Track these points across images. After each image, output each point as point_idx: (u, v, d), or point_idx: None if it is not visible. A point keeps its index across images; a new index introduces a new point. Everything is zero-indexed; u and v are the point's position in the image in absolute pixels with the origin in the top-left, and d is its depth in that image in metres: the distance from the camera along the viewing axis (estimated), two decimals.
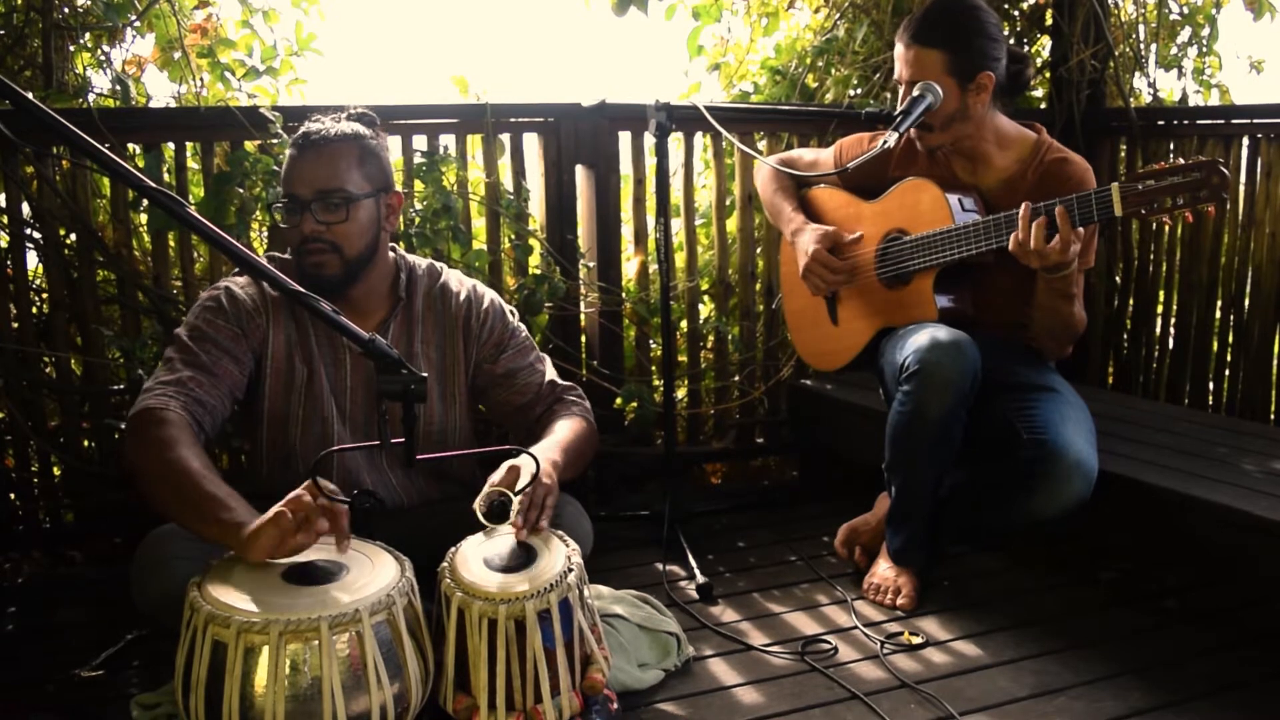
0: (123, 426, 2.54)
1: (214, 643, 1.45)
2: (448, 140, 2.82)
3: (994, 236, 2.16)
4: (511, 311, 2.15)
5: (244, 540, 1.54)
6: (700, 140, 3.16)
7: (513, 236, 2.86)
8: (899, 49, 2.29)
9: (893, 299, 2.38)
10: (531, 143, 2.93)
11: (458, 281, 2.12)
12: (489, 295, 2.13)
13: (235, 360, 1.90)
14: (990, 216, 2.18)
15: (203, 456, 1.70)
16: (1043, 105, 3.59)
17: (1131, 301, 3.44)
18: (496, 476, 1.76)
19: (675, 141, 3.06)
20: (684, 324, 3.17)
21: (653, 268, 3.06)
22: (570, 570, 1.65)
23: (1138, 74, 3.56)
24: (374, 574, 1.59)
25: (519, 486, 1.75)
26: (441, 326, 2.07)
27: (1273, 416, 3.07)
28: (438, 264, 2.13)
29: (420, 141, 2.78)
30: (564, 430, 1.99)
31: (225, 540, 1.57)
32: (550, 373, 2.14)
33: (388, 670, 1.50)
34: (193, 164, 2.68)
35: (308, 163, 1.92)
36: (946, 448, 2.19)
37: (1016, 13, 3.65)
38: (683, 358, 3.20)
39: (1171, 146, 3.26)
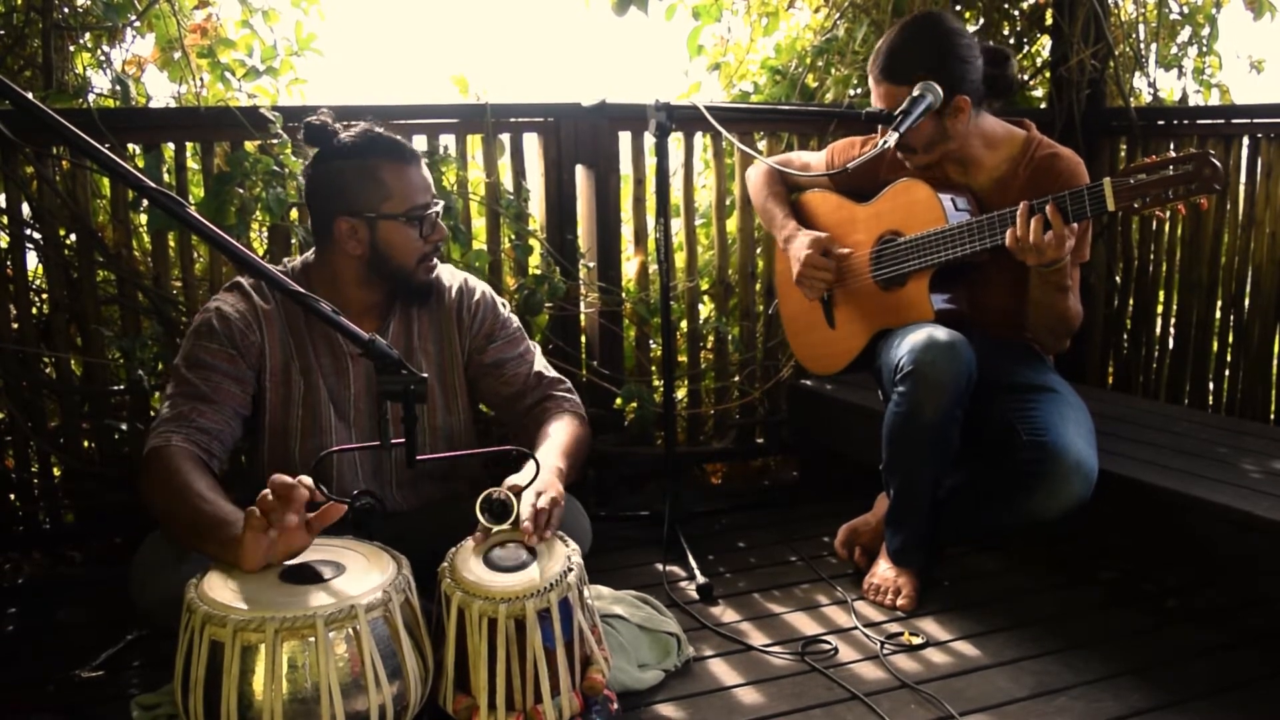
0: (123, 426, 2.56)
1: (211, 642, 1.45)
2: (448, 140, 2.82)
3: (987, 235, 2.16)
4: (503, 304, 2.15)
5: (237, 554, 1.54)
6: (700, 140, 3.16)
7: (513, 236, 2.86)
8: (871, 82, 2.30)
9: (889, 301, 2.38)
10: (531, 143, 2.93)
11: (449, 276, 2.12)
12: (480, 287, 2.14)
13: (236, 381, 1.89)
14: (983, 216, 2.18)
15: (206, 480, 1.70)
16: (1043, 105, 3.59)
17: (1131, 301, 3.44)
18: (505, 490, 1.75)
19: (675, 141, 3.06)
20: (684, 324, 3.17)
21: (653, 268, 3.06)
22: (570, 570, 1.65)
23: (1138, 74, 3.56)
24: (370, 572, 1.59)
25: (521, 484, 1.75)
26: (437, 322, 2.08)
27: (1273, 416, 3.06)
28: None
29: (420, 141, 2.78)
30: (562, 434, 1.99)
31: (229, 558, 1.57)
32: (539, 363, 2.14)
33: (386, 668, 1.50)
34: (193, 164, 2.68)
35: (418, 170, 1.95)
36: (943, 448, 2.19)
37: (1016, 13, 3.66)
38: (683, 358, 3.20)
39: (1172, 146, 3.26)
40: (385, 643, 1.52)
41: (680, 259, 3.22)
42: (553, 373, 2.15)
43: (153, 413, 2.61)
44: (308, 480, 1.57)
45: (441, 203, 2.01)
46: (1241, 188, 3.08)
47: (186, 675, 1.47)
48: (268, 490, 1.54)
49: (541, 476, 1.78)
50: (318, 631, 1.44)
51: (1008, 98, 2.48)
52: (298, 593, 1.51)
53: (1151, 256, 3.38)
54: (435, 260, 2.01)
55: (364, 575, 1.58)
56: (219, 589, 1.51)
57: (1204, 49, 3.56)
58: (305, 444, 1.96)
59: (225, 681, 1.43)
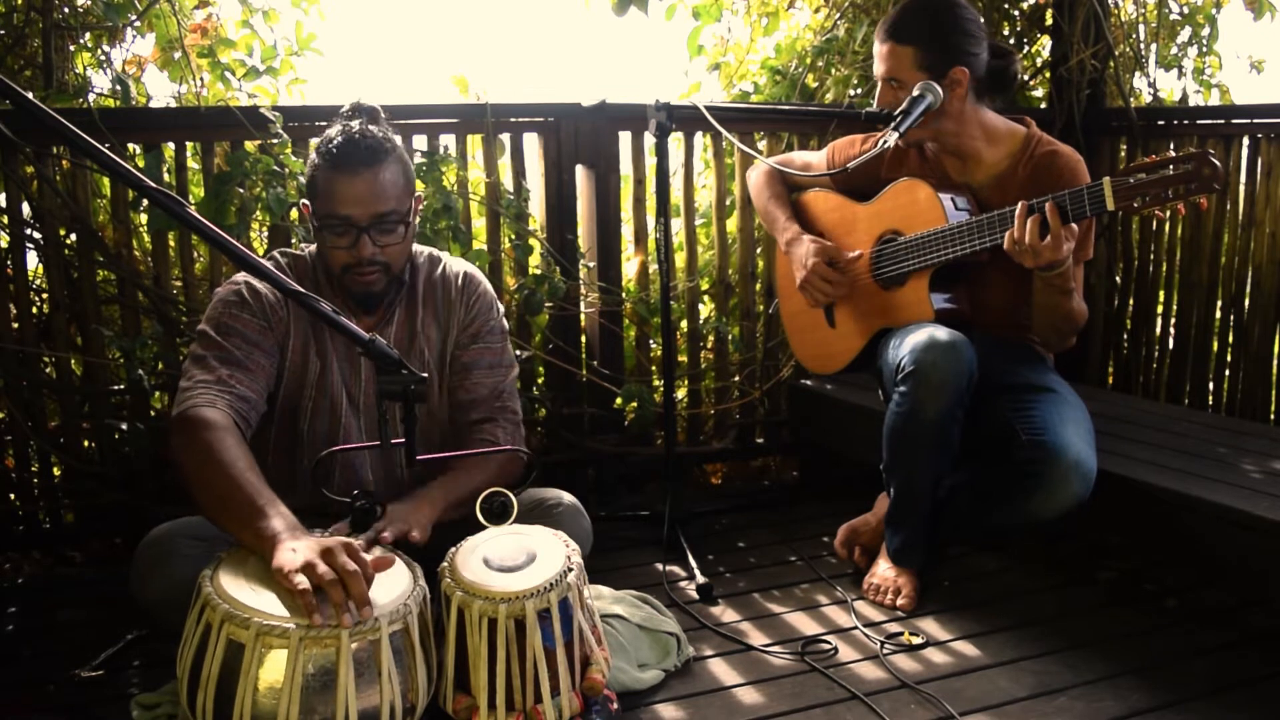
0: (123, 426, 2.55)
1: (229, 641, 1.44)
2: (448, 140, 2.82)
3: (987, 235, 2.16)
4: (499, 310, 2.13)
5: (273, 568, 1.51)
6: (700, 140, 3.16)
7: (513, 236, 2.86)
8: (875, 44, 2.31)
9: (889, 300, 2.38)
10: (531, 143, 2.93)
11: (457, 264, 2.11)
12: (484, 285, 2.11)
13: (265, 353, 1.88)
14: (983, 215, 2.18)
15: (247, 458, 1.68)
16: (1043, 105, 3.59)
17: (1131, 301, 3.45)
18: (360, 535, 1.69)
19: (675, 141, 3.06)
20: (684, 324, 3.17)
21: (653, 268, 3.06)
22: (570, 570, 1.65)
23: (1138, 74, 3.56)
24: (388, 580, 1.58)
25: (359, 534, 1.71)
26: (440, 312, 2.07)
27: (1273, 416, 3.07)
28: (437, 252, 2.12)
29: (420, 141, 2.78)
30: (463, 478, 1.93)
31: (259, 550, 1.56)
32: (506, 386, 2.07)
33: (399, 677, 1.51)
34: (193, 164, 2.68)
35: (359, 182, 1.84)
36: (944, 448, 2.19)
37: (1016, 13, 3.66)
38: (683, 358, 3.20)
39: (1172, 146, 3.26)
40: (400, 653, 1.52)
41: (680, 259, 3.22)
42: (511, 404, 2.08)
43: (153, 412, 2.61)
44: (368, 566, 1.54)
45: (409, 219, 1.91)
46: (1241, 188, 3.08)
47: (196, 671, 1.47)
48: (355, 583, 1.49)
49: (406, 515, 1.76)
50: (341, 641, 1.44)
51: (1008, 94, 2.48)
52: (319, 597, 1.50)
53: (1151, 256, 3.38)
54: (372, 276, 1.89)
55: (383, 582, 1.57)
56: (236, 584, 1.50)
57: (1204, 49, 3.56)
58: (315, 425, 1.96)
59: (242, 682, 1.42)
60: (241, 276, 1.94)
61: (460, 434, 2.05)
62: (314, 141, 1.93)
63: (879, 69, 2.31)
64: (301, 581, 1.45)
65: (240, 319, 1.88)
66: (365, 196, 1.85)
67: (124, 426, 2.56)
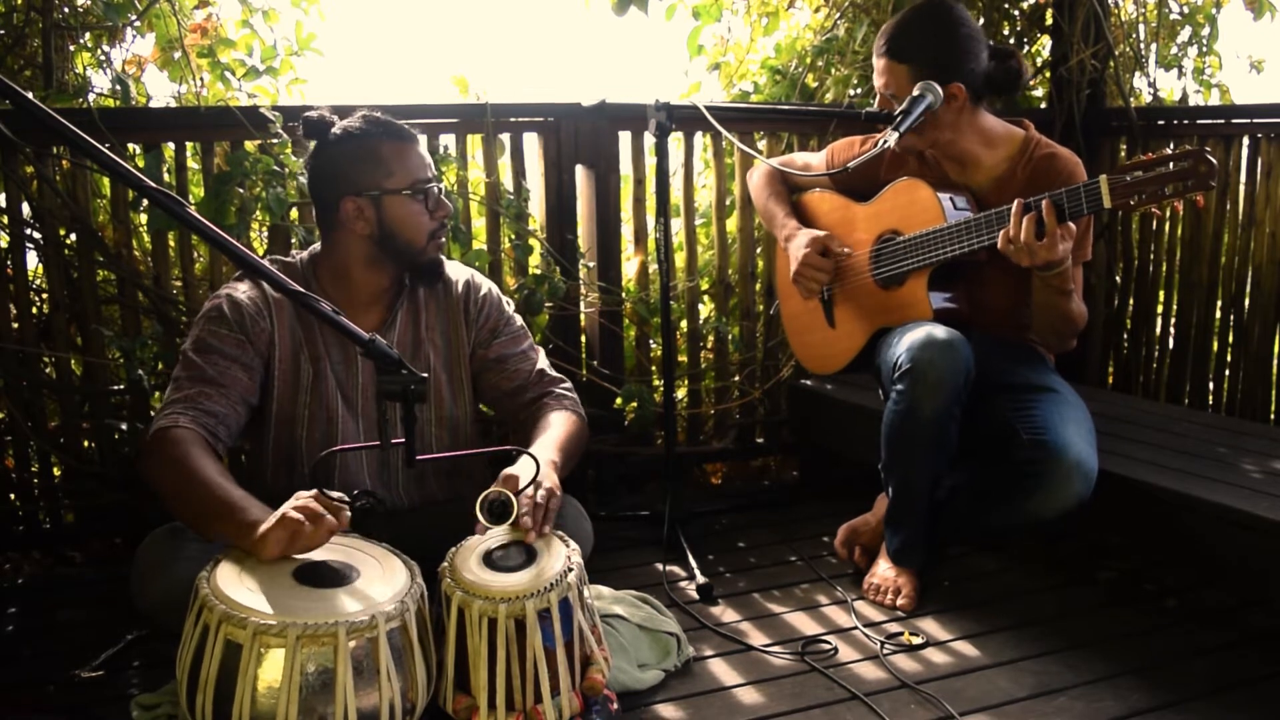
0: (123, 426, 2.56)
1: (226, 642, 1.44)
2: (448, 140, 2.82)
3: (985, 233, 2.16)
4: (508, 302, 2.17)
5: (255, 541, 1.55)
6: (700, 140, 3.16)
7: (513, 236, 2.86)
8: (874, 55, 2.32)
9: (888, 300, 2.38)
10: (531, 143, 2.93)
11: (456, 269, 2.14)
12: (486, 283, 2.16)
13: (244, 367, 1.90)
14: (981, 214, 2.18)
15: (215, 464, 1.71)
16: (1043, 105, 3.59)
17: (1131, 301, 3.44)
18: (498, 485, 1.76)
19: (675, 141, 3.06)
20: (684, 324, 3.17)
21: (653, 268, 3.06)
22: (570, 570, 1.65)
23: (1138, 74, 3.56)
24: (385, 579, 1.58)
25: (520, 486, 1.76)
26: (444, 313, 2.09)
27: (1273, 416, 3.07)
28: None
29: (420, 141, 2.77)
30: (559, 428, 2.00)
31: (240, 541, 1.57)
32: (542, 363, 2.16)
33: (398, 675, 1.50)
34: (193, 164, 2.68)
35: (420, 149, 1.99)
36: (941, 446, 2.19)
37: (1016, 13, 3.65)
38: (683, 358, 3.20)
39: (1171, 146, 3.25)
40: (398, 651, 1.52)
41: (680, 259, 3.22)
42: (555, 373, 2.17)
43: (153, 412, 2.61)
44: (339, 494, 1.61)
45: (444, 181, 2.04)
46: (1241, 188, 3.08)
47: (195, 673, 1.46)
48: (316, 503, 1.58)
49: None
50: (339, 639, 1.44)
51: (1013, 93, 2.48)
52: (316, 596, 1.51)
53: (1151, 256, 3.38)
54: (443, 238, 2.03)
55: (378, 580, 1.57)
56: (233, 585, 1.50)
57: (1204, 49, 3.56)
58: (312, 432, 1.96)
59: (240, 682, 1.42)
60: (224, 289, 1.97)
61: (519, 419, 2.12)
62: (328, 133, 1.98)
63: (878, 81, 2.32)
64: (294, 513, 1.55)
65: (219, 335, 1.90)
66: (427, 161, 2.01)
67: (124, 426, 2.56)
